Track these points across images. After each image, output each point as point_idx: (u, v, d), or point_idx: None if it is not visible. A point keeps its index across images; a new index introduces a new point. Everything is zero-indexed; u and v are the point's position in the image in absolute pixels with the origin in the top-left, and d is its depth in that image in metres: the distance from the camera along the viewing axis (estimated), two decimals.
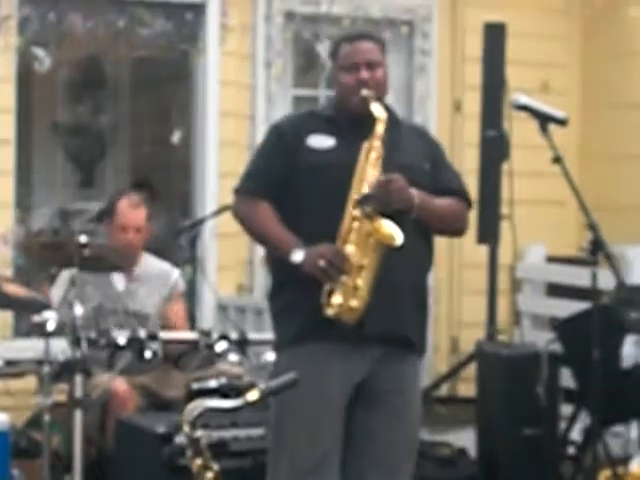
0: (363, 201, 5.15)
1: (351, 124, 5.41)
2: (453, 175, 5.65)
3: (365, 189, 5.18)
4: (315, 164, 5.32)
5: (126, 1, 8.50)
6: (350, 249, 5.17)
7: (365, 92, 5.34)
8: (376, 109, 5.33)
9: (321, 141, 5.39)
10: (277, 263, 5.48)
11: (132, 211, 7.22)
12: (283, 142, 5.45)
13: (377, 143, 5.27)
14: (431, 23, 9.36)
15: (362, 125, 5.35)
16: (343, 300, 5.14)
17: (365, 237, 5.19)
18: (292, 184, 5.35)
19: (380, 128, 5.29)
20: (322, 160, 5.33)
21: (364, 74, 5.40)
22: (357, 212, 5.19)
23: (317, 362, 5.25)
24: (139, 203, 7.28)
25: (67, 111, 10.00)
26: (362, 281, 5.17)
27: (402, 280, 5.38)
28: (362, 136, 5.35)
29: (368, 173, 5.24)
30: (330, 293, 5.15)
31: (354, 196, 5.20)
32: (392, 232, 5.12)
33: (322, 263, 5.11)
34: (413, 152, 5.43)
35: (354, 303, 5.16)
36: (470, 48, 8.96)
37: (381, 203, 5.16)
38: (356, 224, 5.20)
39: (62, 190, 9.86)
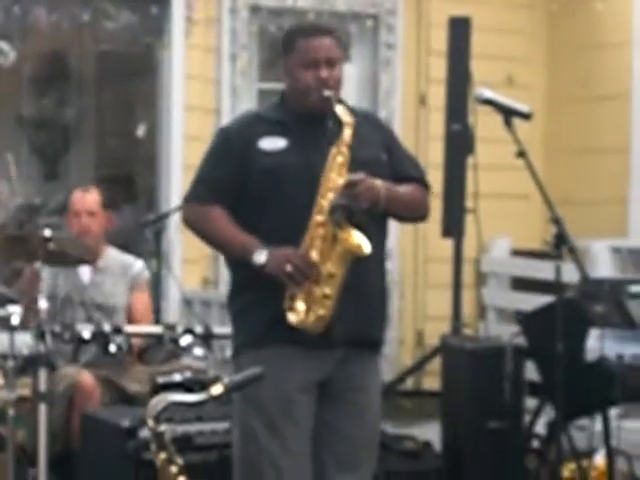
0: (332, 211, 5.18)
1: (302, 123, 5.40)
2: (409, 161, 5.63)
3: (331, 196, 5.22)
4: (269, 167, 5.31)
5: None
6: (315, 255, 5.21)
7: (327, 92, 5.32)
8: (341, 112, 5.32)
9: (273, 143, 5.37)
10: (235, 263, 5.49)
11: (83, 195, 7.24)
12: (232, 146, 5.40)
13: (344, 149, 5.29)
14: (396, 17, 9.40)
15: (313, 123, 5.36)
16: (307, 308, 5.18)
17: (331, 244, 5.22)
18: (247, 188, 5.32)
19: (347, 133, 5.27)
20: (276, 162, 5.32)
21: (324, 72, 5.37)
22: (323, 218, 5.23)
23: (281, 365, 5.24)
24: (89, 188, 7.28)
25: (32, 104, 10.01)
26: (330, 290, 5.21)
27: (368, 284, 5.41)
28: (313, 134, 5.35)
29: (334, 179, 5.29)
30: (292, 297, 5.21)
31: (322, 203, 5.23)
32: (360, 242, 5.14)
33: (289, 268, 5.12)
34: (370, 144, 5.42)
35: (321, 312, 5.15)
36: (435, 42, 9.01)
37: (350, 210, 5.19)
38: (321, 230, 5.22)
39: (26, 183, 9.85)
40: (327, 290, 5.20)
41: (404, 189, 5.44)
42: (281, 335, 5.26)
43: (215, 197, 5.36)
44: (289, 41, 5.44)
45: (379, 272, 5.50)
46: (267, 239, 5.24)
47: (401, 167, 5.51)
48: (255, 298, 5.39)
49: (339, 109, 5.31)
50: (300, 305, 5.18)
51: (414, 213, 5.64)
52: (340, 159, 5.27)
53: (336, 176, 5.25)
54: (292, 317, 5.19)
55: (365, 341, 5.46)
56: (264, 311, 5.32)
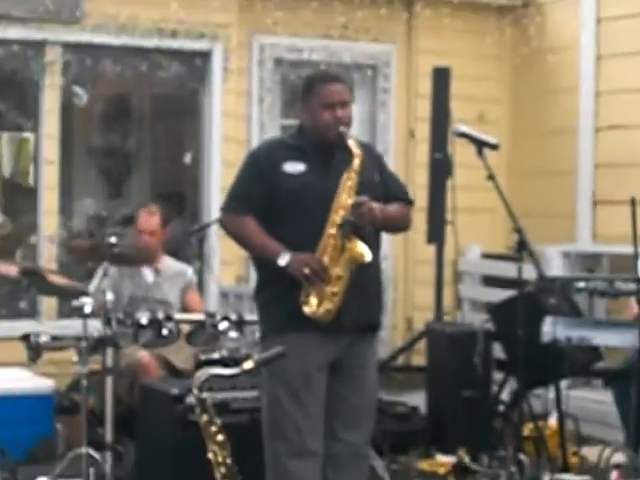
0: (342, 226, 5.19)
1: (318, 151, 5.39)
2: (397, 183, 5.68)
3: (342, 214, 5.22)
4: (292, 187, 5.30)
5: (147, 49, 8.46)
6: (326, 260, 5.21)
7: (342, 129, 5.33)
8: (353, 146, 5.31)
9: (294, 167, 5.37)
10: (261, 264, 5.49)
11: (147, 218, 7.27)
12: (260, 167, 5.40)
13: (354, 175, 5.27)
14: (390, 67, 9.34)
15: (327, 152, 5.36)
16: (319, 302, 5.21)
17: (339, 252, 5.23)
18: (273, 203, 5.32)
19: (356, 162, 5.27)
20: (297, 183, 5.32)
21: (340, 112, 5.37)
22: (335, 232, 5.22)
23: (300, 347, 5.22)
24: (154, 212, 7.31)
25: (100, 137, 9.96)
26: (338, 288, 5.22)
27: (369, 282, 5.42)
28: (327, 161, 5.36)
29: (344, 200, 5.26)
30: (307, 294, 5.22)
31: (334, 218, 5.23)
32: (364, 252, 5.21)
33: (307, 271, 5.16)
34: (369, 169, 5.42)
35: (329, 306, 5.22)
36: (422, 87, 8.95)
37: (355, 226, 5.21)
38: (332, 241, 5.23)
39: (96, 200, 9.82)
40: (335, 289, 5.22)
41: (393, 208, 5.47)
42: (300, 324, 5.26)
43: (247, 209, 5.36)
44: (309, 86, 5.44)
45: (377, 273, 5.52)
46: (288, 245, 5.24)
47: (389, 188, 5.54)
48: (276, 294, 5.38)
49: (351, 142, 5.31)
50: (313, 300, 5.21)
51: (399, 227, 5.71)
52: (349, 183, 5.27)
53: (346, 197, 5.25)
54: (306, 309, 5.22)
55: (366, 327, 5.47)
56: (284, 304, 5.32)
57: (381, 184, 5.48)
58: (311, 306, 5.22)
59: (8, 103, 9.02)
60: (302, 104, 5.51)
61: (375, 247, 5.37)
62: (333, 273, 5.23)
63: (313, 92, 5.42)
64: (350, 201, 5.27)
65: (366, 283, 5.38)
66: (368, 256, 5.23)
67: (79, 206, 9.39)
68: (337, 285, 5.23)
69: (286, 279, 5.26)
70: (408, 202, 5.66)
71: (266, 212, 5.33)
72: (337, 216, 5.26)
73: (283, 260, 5.21)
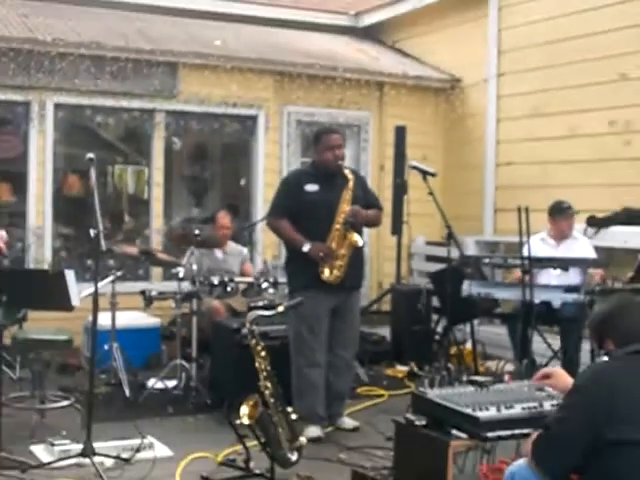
0: (345, 224, 5.34)
1: (327, 177, 5.46)
2: (374, 196, 5.84)
3: (343, 216, 5.37)
4: (310, 201, 5.40)
5: (218, 114, 8.46)
6: (334, 245, 5.35)
7: (339, 163, 5.43)
8: (347, 173, 5.48)
9: (312, 187, 5.46)
10: (291, 248, 5.56)
11: (224, 217, 7.32)
12: (290, 188, 5.51)
13: (349, 191, 5.40)
14: (369, 126, 9.37)
15: (332, 178, 5.45)
16: (330, 271, 5.36)
17: (343, 239, 5.37)
18: (299, 211, 5.42)
19: (350, 184, 5.42)
20: (313, 198, 5.41)
21: (338, 152, 5.45)
22: (339, 227, 5.35)
23: (314, 299, 5.33)
24: (227, 215, 7.36)
25: (188, 169, 9.95)
26: (342, 262, 5.38)
27: (358, 259, 5.51)
28: (332, 183, 5.44)
29: (345, 207, 5.39)
30: (323, 267, 5.36)
31: (339, 219, 5.37)
32: (358, 239, 5.40)
33: (321, 254, 5.27)
34: (357, 188, 5.51)
35: (338, 273, 5.40)
36: (388, 138, 8.98)
37: (353, 224, 5.38)
38: (338, 233, 5.36)
39: (186, 208, 9.83)
40: (341, 263, 5.39)
41: (371, 212, 5.58)
42: (314, 284, 5.40)
43: (282, 215, 5.47)
44: (318, 136, 5.58)
45: (361, 253, 5.59)
46: (308, 236, 5.42)
47: (369, 199, 5.69)
48: (298, 266, 5.49)
49: (346, 171, 5.42)
50: (327, 271, 5.33)
51: (375, 224, 5.89)
52: (347, 197, 5.41)
53: (345, 206, 5.40)
54: (323, 276, 5.35)
55: (355, 286, 5.54)
56: (304, 273, 5.45)
57: (364, 197, 5.56)
58: (326, 274, 5.34)
59: (132, 148, 9.08)
60: (314, 147, 5.61)
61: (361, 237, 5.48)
62: (340, 253, 5.34)
63: (320, 140, 5.50)
64: (348, 208, 5.36)
65: (356, 259, 5.47)
66: (361, 242, 5.38)
67: (175, 211, 9.41)
68: (342, 260, 5.37)
69: (305, 258, 5.34)
70: (380, 209, 5.76)
71: (294, 215, 5.41)
72: (340, 218, 5.36)
73: (306, 247, 5.32)
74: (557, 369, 3.30)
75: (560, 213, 6.65)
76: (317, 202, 5.39)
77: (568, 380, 3.19)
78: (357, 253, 5.49)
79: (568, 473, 2.87)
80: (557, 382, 3.23)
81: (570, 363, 6.05)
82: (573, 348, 6.31)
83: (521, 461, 3.02)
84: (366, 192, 5.67)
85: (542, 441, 2.87)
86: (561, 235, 6.71)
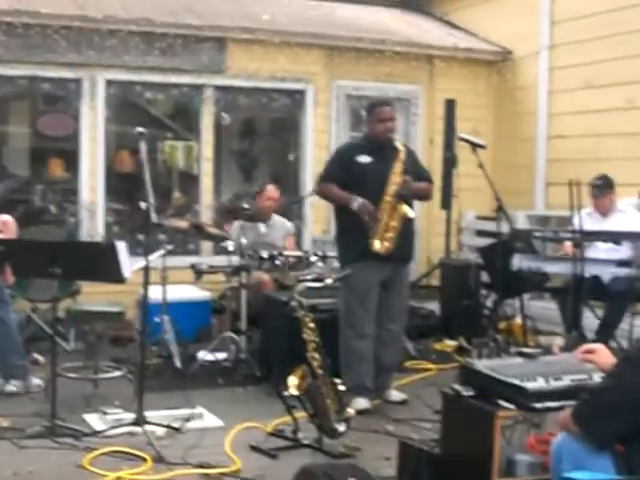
0: (396, 196, 5.32)
1: (378, 149, 5.46)
2: (424, 170, 5.83)
3: (394, 187, 5.34)
4: (362, 171, 5.41)
5: (266, 89, 8.47)
6: (384, 217, 5.34)
7: (390, 135, 5.45)
8: (398, 145, 5.48)
9: (363, 159, 5.46)
10: (341, 217, 5.56)
11: (271, 190, 7.30)
12: (342, 160, 5.52)
13: (400, 162, 5.39)
14: (418, 100, 9.30)
15: (383, 150, 5.44)
16: (381, 242, 5.34)
17: (393, 211, 5.37)
18: (350, 182, 5.43)
19: (402, 155, 5.43)
20: (364, 169, 5.42)
21: (389, 125, 5.46)
22: (390, 198, 5.34)
23: (364, 270, 5.38)
24: (274, 188, 7.35)
25: (237, 144, 9.98)
26: (392, 234, 5.36)
27: (408, 232, 5.51)
28: (384, 155, 5.43)
29: (396, 179, 5.37)
30: (373, 237, 5.33)
31: (390, 190, 5.35)
32: (408, 211, 5.40)
33: (367, 216, 5.28)
34: (408, 161, 5.50)
35: (388, 244, 5.38)
36: (438, 112, 8.89)
37: (403, 195, 5.37)
38: (388, 204, 5.36)
39: (235, 183, 9.88)
40: (391, 234, 5.39)
41: (422, 185, 5.58)
42: (364, 256, 5.41)
43: (331, 181, 5.45)
44: (370, 108, 5.59)
45: (412, 226, 5.58)
46: None
47: (420, 172, 5.64)
48: (349, 238, 5.51)
49: (397, 143, 5.46)
50: (377, 242, 5.36)
51: (425, 197, 5.87)
52: (398, 169, 5.39)
53: (397, 177, 5.36)
54: (373, 247, 5.36)
55: (406, 259, 5.55)
56: (354, 245, 5.48)
57: (415, 170, 5.55)
58: (377, 245, 5.33)
59: (181, 124, 9.12)
60: (366, 120, 5.62)
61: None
62: (390, 224, 5.35)
63: (372, 112, 5.51)
64: (399, 179, 5.36)
65: (406, 232, 5.48)
66: (411, 214, 5.36)
67: (225, 186, 9.47)
68: (392, 232, 5.36)
69: (354, 232, 5.34)
70: (430, 182, 5.76)
71: (345, 186, 5.42)
72: (391, 189, 5.36)
73: (356, 202, 5.33)
74: (600, 345, 3.28)
75: (596, 191, 6.57)
76: (368, 173, 5.40)
77: (610, 357, 3.17)
78: (408, 226, 5.48)
79: (613, 441, 2.86)
80: (599, 358, 3.21)
81: (607, 336, 6.04)
82: (613, 322, 6.29)
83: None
84: (417, 165, 5.67)
85: (588, 408, 2.87)
86: (605, 210, 6.64)
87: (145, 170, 4.83)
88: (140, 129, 5.00)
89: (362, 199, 5.30)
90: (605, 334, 6.19)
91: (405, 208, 5.35)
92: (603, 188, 6.60)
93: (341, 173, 5.47)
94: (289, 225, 7.51)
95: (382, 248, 5.34)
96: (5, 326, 5.52)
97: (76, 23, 7.66)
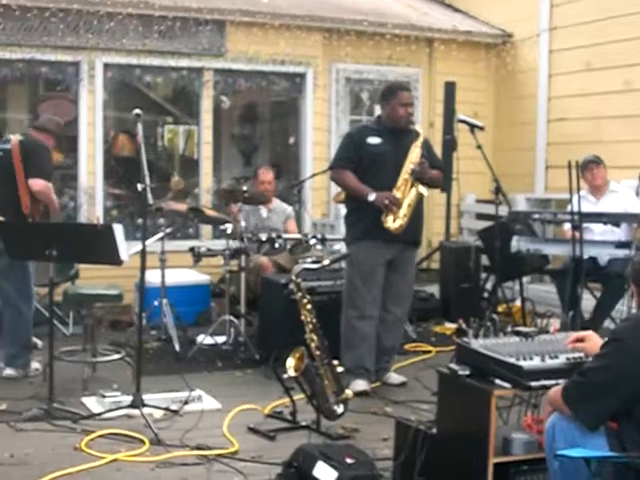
0: (412, 173, 5.33)
1: (392, 132, 5.44)
2: (437, 158, 5.84)
3: (412, 166, 5.35)
4: (373, 153, 5.40)
5: (266, 72, 8.43)
6: (400, 195, 5.32)
7: (411, 119, 5.47)
8: (418, 128, 5.52)
9: (374, 140, 5.44)
10: (352, 199, 5.53)
11: (265, 173, 7.29)
12: (354, 142, 5.48)
13: (419, 145, 5.41)
14: (418, 83, 9.24)
15: (397, 133, 5.43)
16: (394, 220, 5.33)
17: (409, 190, 5.36)
18: (362, 164, 5.41)
19: (421, 138, 5.43)
20: (376, 150, 5.41)
21: (410, 109, 5.44)
22: (407, 176, 5.34)
23: (370, 250, 5.38)
24: (269, 170, 7.34)
25: (237, 128, 9.95)
26: (406, 212, 5.35)
27: (419, 214, 5.48)
28: (397, 138, 5.44)
29: (413, 160, 5.38)
30: (387, 215, 5.31)
31: (407, 169, 5.36)
32: (423, 190, 5.41)
33: (386, 201, 5.26)
34: (424, 146, 5.49)
35: (401, 222, 5.35)
36: (438, 95, 8.87)
37: (419, 175, 5.37)
38: (404, 183, 5.36)
39: (235, 167, 9.86)
40: (405, 212, 5.34)
41: (434, 172, 5.53)
42: (371, 236, 5.41)
43: (346, 166, 5.45)
44: (392, 91, 5.53)
45: (422, 210, 5.55)
46: (370, 187, 5.34)
47: (432, 160, 5.59)
48: (357, 218, 5.50)
49: (416, 127, 5.51)
50: (390, 219, 5.34)
51: (438, 185, 5.87)
52: (417, 150, 5.37)
53: (415, 157, 5.36)
54: (386, 224, 5.34)
55: (414, 241, 5.55)
56: (362, 224, 5.45)
57: (429, 157, 5.53)
58: (390, 223, 5.32)
59: (181, 107, 9.11)
60: (384, 102, 5.54)
61: (420, 200, 5.47)
62: (404, 202, 5.32)
63: (395, 94, 5.45)
64: (417, 159, 5.35)
65: (418, 214, 5.48)
66: (425, 192, 5.38)
67: (224, 170, 9.45)
68: (406, 210, 5.35)
69: (364, 211, 5.35)
70: (443, 171, 5.76)
71: (357, 168, 5.41)
72: (408, 168, 5.34)
73: (372, 197, 5.30)
74: (591, 333, 3.27)
75: (584, 167, 6.51)
76: (380, 154, 5.38)
77: (600, 343, 3.15)
78: (418, 209, 5.46)
79: (604, 420, 2.85)
80: (590, 346, 3.20)
81: (602, 317, 6.04)
82: (611, 304, 6.29)
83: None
84: (430, 153, 5.64)
85: (578, 388, 2.86)
86: (596, 189, 6.60)
87: (142, 151, 4.81)
88: (137, 110, 4.96)
89: (377, 193, 5.29)
90: (601, 315, 6.18)
91: (420, 187, 5.37)
92: (590, 163, 6.55)
93: (352, 155, 5.44)
94: (289, 209, 7.50)
95: (395, 225, 5.31)
96: (23, 319, 5.55)
97: (74, 6, 7.61)
